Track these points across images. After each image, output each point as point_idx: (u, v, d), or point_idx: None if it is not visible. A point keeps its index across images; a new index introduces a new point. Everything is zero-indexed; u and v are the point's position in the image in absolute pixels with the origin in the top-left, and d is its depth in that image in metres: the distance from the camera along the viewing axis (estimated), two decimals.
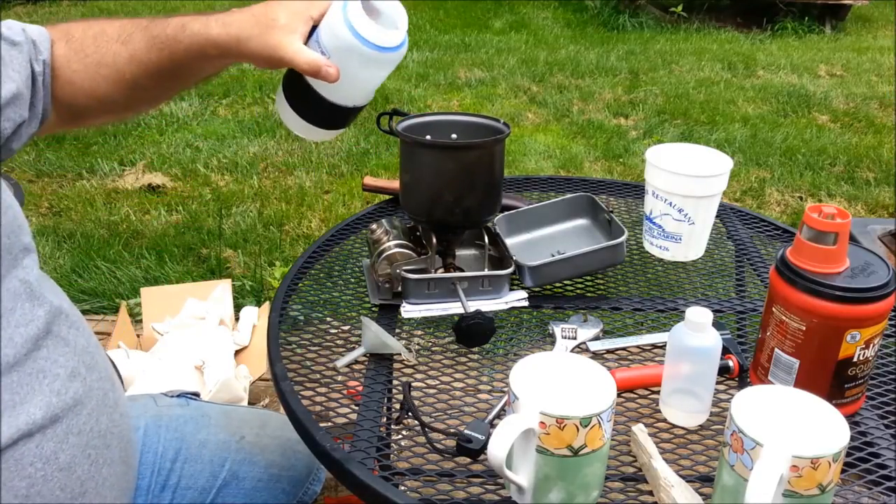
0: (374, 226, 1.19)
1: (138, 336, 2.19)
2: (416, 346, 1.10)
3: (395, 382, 1.05)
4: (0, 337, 0.71)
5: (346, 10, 0.83)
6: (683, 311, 0.91)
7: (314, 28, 0.85)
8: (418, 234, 1.19)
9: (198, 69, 0.88)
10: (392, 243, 1.13)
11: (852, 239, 0.96)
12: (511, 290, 1.16)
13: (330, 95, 0.88)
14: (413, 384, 1.00)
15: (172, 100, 4.32)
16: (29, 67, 0.81)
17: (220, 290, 2.26)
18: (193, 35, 0.82)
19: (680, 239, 1.25)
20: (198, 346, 2.01)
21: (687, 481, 0.83)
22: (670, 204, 1.22)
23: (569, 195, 1.32)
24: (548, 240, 1.29)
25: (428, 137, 1.16)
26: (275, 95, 0.93)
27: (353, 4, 0.83)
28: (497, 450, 0.73)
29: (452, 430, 0.90)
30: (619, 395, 0.93)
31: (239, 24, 0.82)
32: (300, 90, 0.88)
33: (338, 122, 0.93)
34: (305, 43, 0.84)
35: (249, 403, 1.96)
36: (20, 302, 0.74)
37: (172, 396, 1.13)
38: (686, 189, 1.20)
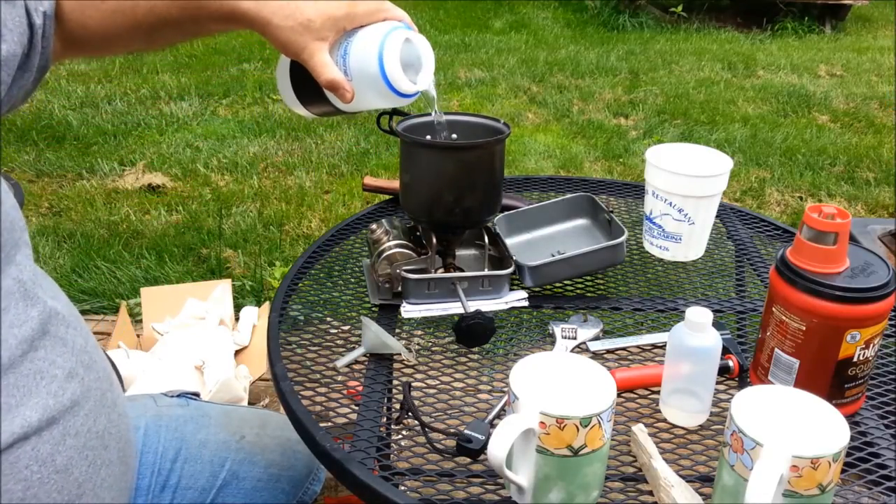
0: (374, 226, 1.18)
1: (138, 336, 2.19)
2: (416, 346, 1.10)
3: (395, 382, 1.05)
4: None
5: (383, 48, 0.84)
6: (683, 311, 0.91)
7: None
8: (418, 234, 1.19)
9: (216, 30, 0.88)
10: (392, 243, 1.13)
11: (852, 239, 0.96)
12: (511, 290, 1.16)
13: (333, 99, 0.89)
14: (413, 384, 1.00)
15: (173, 100, 4.32)
16: (25, 21, 0.77)
17: (220, 290, 2.26)
18: (222, 3, 0.81)
19: (680, 239, 1.25)
20: (198, 346, 2.01)
21: (687, 481, 0.83)
22: (670, 204, 1.22)
23: (569, 195, 1.32)
24: (548, 240, 1.29)
25: (428, 137, 1.16)
26: (279, 60, 0.94)
27: (390, 45, 0.84)
28: (497, 450, 0.73)
29: (452, 430, 0.90)
30: (619, 395, 0.93)
31: (272, 8, 0.81)
32: (306, 80, 0.89)
33: (331, 115, 0.95)
34: (331, 48, 0.85)
35: (249, 403, 1.96)
36: (13, 301, 0.73)
37: (172, 396, 1.13)
38: (686, 189, 1.20)
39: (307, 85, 0.89)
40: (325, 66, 0.83)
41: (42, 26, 0.79)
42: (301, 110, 0.95)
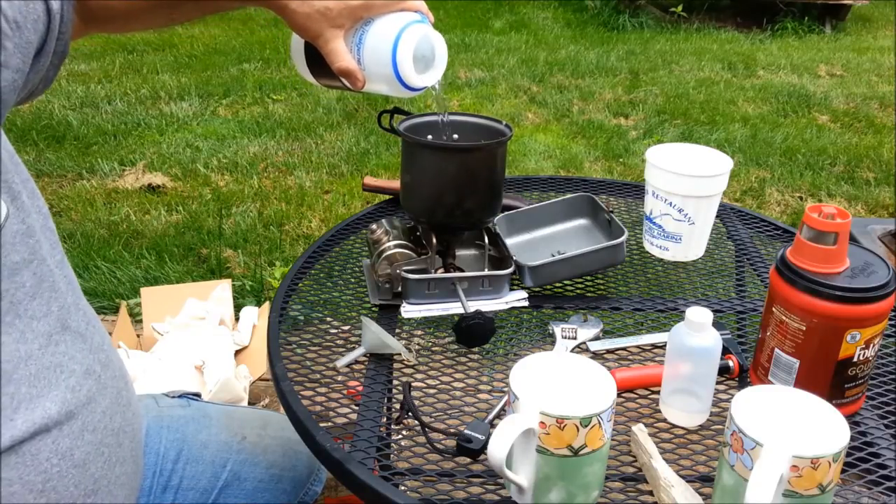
0: (374, 226, 1.19)
1: (138, 336, 2.19)
2: (416, 346, 1.10)
3: (395, 382, 1.05)
4: (13, 329, 0.71)
5: (397, 45, 0.84)
6: (683, 311, 0.91)
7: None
8: (418, 234, 1.19)
9: (236, 7, 0.89)
10: (392, 243, 1.13)
11: (852, 239, 0.96)
12: (511, 290, 1.16)
13: (343, 80, 0.90)
14: (413, 384, 1.00)
15: (173, 100, 4.32)
16: (42, 7, 0.76)
17: (220, 290, 2.26)
18: None
19: (680, 239, 1.25)
20: (198, 346, 2.01)
21: (687, 481, 0.83)
22: (670, 204, 1.22)
23: (569, 195, 1.32)
24: (548, 240, 1.29)
25: (429, 137, 1.16)
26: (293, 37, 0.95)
27: (405, 42, 0.84)
28: (497, 450, 0.73)
29: (452, 430, 0.90)
30: (619, 395, 0.93)
31: None
32: (320, 56, 0.89)
33: (340, 89, 0.96)
34: (346, 35, 0.86)
35: (249, 403, 1.96)
36: (39, 291, 0.73)
37: (174, 397, 1.13)
38: (686, 189, 1.20)
39: (320, 60, 0.89)
40: (339, 54, 0.85)
41: (60, 11, 0.78)
42: (311, 79, 0.96)
